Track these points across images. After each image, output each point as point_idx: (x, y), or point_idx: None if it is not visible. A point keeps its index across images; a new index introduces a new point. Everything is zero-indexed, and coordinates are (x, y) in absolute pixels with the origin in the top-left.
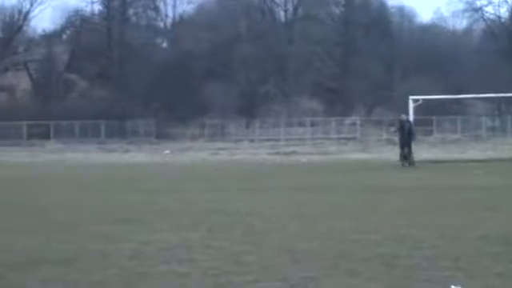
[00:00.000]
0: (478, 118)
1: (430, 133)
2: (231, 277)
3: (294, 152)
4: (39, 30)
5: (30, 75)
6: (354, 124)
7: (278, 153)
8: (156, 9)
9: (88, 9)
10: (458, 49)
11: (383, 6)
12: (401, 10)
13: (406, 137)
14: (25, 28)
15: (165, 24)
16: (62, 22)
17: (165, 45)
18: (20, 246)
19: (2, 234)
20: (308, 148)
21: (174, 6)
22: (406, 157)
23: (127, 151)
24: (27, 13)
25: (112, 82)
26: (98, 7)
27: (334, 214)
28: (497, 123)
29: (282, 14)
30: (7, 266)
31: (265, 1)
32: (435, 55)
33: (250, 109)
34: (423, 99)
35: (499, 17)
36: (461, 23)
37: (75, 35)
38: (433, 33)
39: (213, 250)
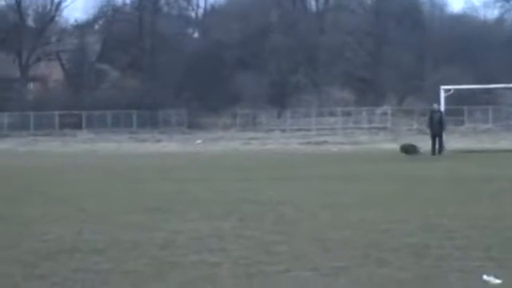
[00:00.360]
0: (509, 108)
1: (462, 123)
2: (262, 266)
3: (324, 142)
4: (71, 20)
5: (63, 65)
6: (385, 114)
7: (309, 142)
8: None
9: None
10: (489, 39)
11: None
12: None
13: (437, 127)
14: (57, 18)
15: (196, 14)
16: (94, 12)
17: (196, 35)
18: (52, 236)
19: (35, 223)
20: (339, 138)
21: None
22: (413, 150)
23: (159, 141)
24: (59, 3)
25: (144, 72)
26: None
27: (364, 203)
28: None
29: (313, 3)
30: (40, 255)
31: None
32: (466, 45)
33: (281, 99)
34: (454, 89)
35: None
36: (492, 13)
37: (107, 25)
38: (464, 23)
39: (244, 239)
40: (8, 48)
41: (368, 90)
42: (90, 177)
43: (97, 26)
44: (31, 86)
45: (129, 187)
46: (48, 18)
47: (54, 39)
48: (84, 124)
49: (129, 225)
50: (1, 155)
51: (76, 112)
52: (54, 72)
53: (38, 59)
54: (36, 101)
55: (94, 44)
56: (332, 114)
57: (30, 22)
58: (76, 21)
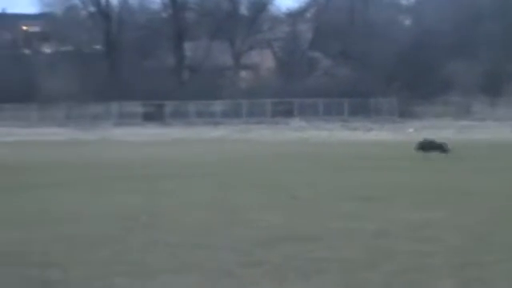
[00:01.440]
0: None
1: None
2: (477, 256)
3: None
4: (283, 9)
5: (275, 53)
6: None
7: None
8: None
9: None
10: None
11: None
12: None
13: None
14: (269, 6)
15: (408, 1)
16: (305, 0)
17: (407, 22)
18: (265, 223)
19: (248, 210)
20: None
21: None
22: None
23: (370, 130)
24: None
25: (355, 60)
26: None
27: None
28: None
29: None
30: (253, 242)
31: None
32: None
33: (494, 87)
34: None
35: None
36: None
37: (319, 13)
38: None
39: (457, 228)
40: (221, 37)
41: None
42: (301, 165)
43: (308, 15)
44: (243, 74)
45: (340, 176)
46: (260, 6)
47: (266, 27)
48: (296, 112)
49: (340, 213)
50: (214, 143)
51: (287, 100)
52: (265, 60)
53: (251, 47)
54: (248, 89)
55: (306, 32)
56: None
57: (243, 10)
58: (288, 9)
